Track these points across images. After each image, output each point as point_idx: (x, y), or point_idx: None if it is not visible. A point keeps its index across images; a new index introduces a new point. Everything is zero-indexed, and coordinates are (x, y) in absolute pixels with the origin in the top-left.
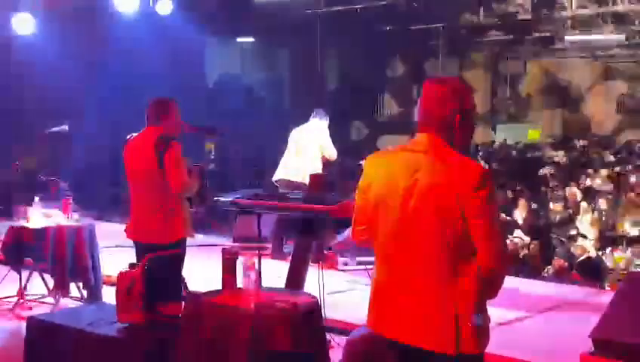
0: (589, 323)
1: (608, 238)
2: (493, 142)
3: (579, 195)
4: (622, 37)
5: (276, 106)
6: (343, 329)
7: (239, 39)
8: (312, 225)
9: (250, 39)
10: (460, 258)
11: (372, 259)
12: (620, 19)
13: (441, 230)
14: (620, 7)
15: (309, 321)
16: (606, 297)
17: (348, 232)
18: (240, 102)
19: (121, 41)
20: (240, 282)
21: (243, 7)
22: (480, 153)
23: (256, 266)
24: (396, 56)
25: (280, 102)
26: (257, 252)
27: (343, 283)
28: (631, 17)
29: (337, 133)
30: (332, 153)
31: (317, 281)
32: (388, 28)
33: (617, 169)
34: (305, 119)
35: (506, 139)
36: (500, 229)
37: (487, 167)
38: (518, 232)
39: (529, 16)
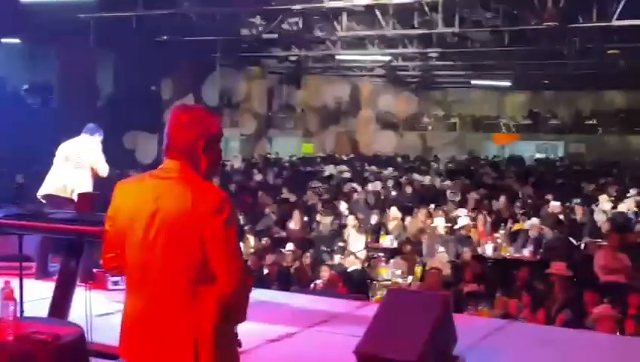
0: (356, 337)
1: (373, 251)
2: (269, 154)
3: (344, 208)
4: (388, 58)
5: (44, 115)
6: (111, 354)
7: (4, 40)
8: (79, 247)
9: (17, 40)
10: (200, 283)
11: None
12: (386, 42)
13: (182, 255)
14: (386, 31)
15: (71, 352)
16: (372, 310)
17: None
18: (3, 107)
19: None
20: None
21: (8, 6)
22: (258, 165)
23: (15, 295)
24: (175, 67)
25: (48, 110)
26: (19, 274)
27: (113, 304)
28: (396, 41)
29: (112, 146)
30: (104, 169)
31: (84, 304)
32: (165, 38)
33: (379, 185)
34: (76, 131)
35: (277, 152)
36: (239, 254)
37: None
38: (290, 245)
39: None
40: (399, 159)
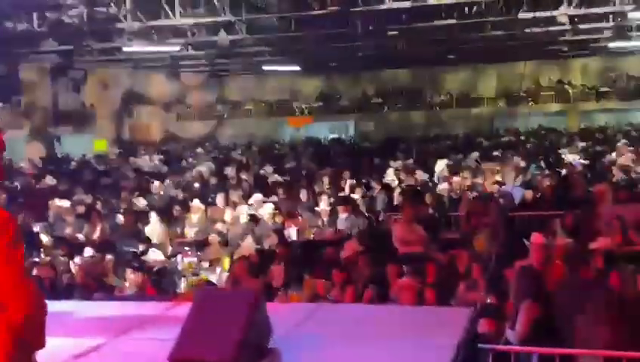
0: (170, 341)
1: (178, 245)
2: (57, 154)
3: (143, 205)
4: (177, 48)
5: None
6: None
7: None
8: None
9: None
10: None
11: None
12: (174, 32)
13: None
14: (174, 21)
15: None
16: (183, 310)
17: None
18: None
19: None
20: None
21: None
22: (48, 166)
23: None
24: None
25: None
26: None
27: None
28: (185, 30)
29: None
30: None
31: None
32: None
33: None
34: None
35: (68, 153)
36: (27, 276)
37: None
38: (88, 250)
39: (85, 27)
40: (199, 149)
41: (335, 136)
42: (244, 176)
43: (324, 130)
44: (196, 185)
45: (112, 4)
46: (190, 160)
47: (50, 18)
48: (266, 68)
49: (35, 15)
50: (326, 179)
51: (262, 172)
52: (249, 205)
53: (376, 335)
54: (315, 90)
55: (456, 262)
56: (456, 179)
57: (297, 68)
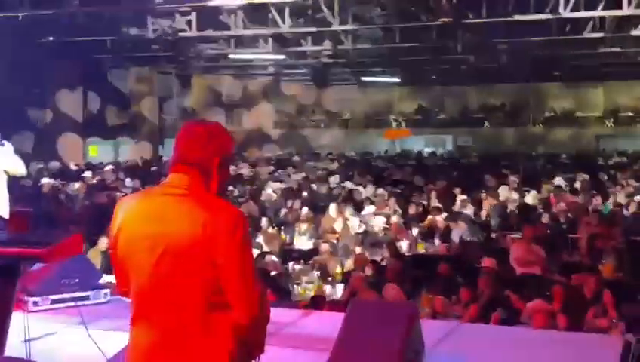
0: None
1: (287, 252)
2: (161, 157)
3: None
4: (282, 56)
5: None
6: None
7: None
8: (16, 271)
9: None
10: (214, 311)
11: (66, 296)
12: (280, 41)
13: (191, 281)
14: (282, 29)
15: None
16: (315, 318)
17: (37, 266)
18: None
19: None
20: None
21: None
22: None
23: None
24: (61, 69)
25: None
26: None
27: (43, 327)
28: (291, 39)
29: None
30: (22, 167)
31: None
32: (51, 39)
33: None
34: None
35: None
36: (256, 279)
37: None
38: None
39: (195, 34)
40: (295, 157)
41: (432, 150)
42: (350, 186)
43: (420, 144)
44: (304, 193)
45: (223, 12)
46: (290, 168)
47: (162, 24)
48: (365, 79)
49: (149, 22)
50: (434, 194)
51: (361, 184)
52: (360, 216)
53: (522, 358)
54: (412, 102)
55: (583, 286)
56: (571, 198)
57: (397, 80)
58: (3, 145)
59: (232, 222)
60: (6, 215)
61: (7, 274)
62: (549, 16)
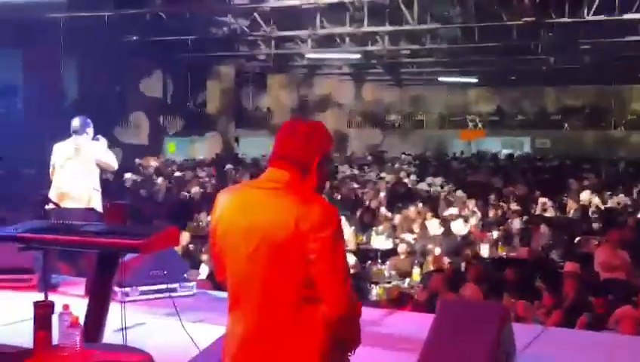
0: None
1: (364, 251)
2: (237, 154)
3: None
4: (357, 55)
5: (9, 116)
6: None
7: None
8: (114, 262)
9: None
10: (305, 303)
11: (155, 287)
12: (356, 40)
13: (285, 273)
14: (360, 29)
15: None
16: (400, 318)
17: (127, 257)
18: None
19: None
20: (56, 339)
21: None
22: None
23: (80, 322)
24: (150, 70)
25: (14, 111)
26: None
27: (132, 317)
28: (366, 38)
29: None
30: (113, 161)
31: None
32: (135, 38)
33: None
34: (45, 131)
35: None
36: (346, 275)
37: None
38: None
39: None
40: (369, 157)
41: (510, 151)
42: (427, 188)
43: (496, 145)
44: (382, 193)
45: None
46: (366, 167)
47: (241, 24)
48: (441, 79)
49: (232, 20)
50: (512, 196)
51: (438, 185)
52: (439, 217)
53: None
54: (490, 103)
55: None
56: None
57: (474, 80)
58: (98, 139)
59: (325, 217)
60: (100, 208)
61: (107, 263)
62: (636, 15)
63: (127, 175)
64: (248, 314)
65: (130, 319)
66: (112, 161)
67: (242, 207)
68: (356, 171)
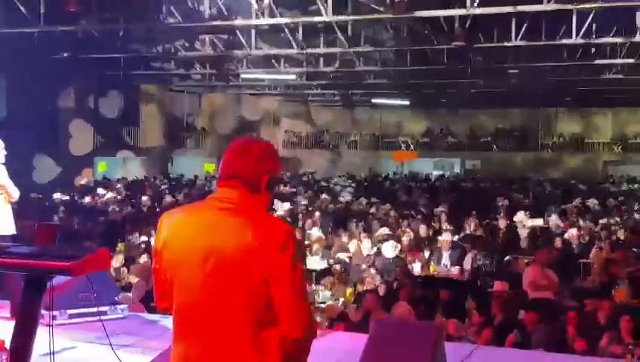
0: None
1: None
2: (170, 174)
3: None
4: (293, 76)
5: None
6: None
7: None
8: (42, 284)
9: None
10: (261, 327)
11: (84, 310)
12: (291, 61)
13: (241, 297)
14: (291, 51)
15: None
16: (333, 339)
17: (55, 280)
18: None
19: None
20: None
21: None
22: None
23: (6, 346)
24: (82, 88)
25: None
26: None
27: (61, 342)
28: (301, 60)
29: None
30: (15, 192)
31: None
32: (65, 55)
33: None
34: None
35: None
36: (306, 295)
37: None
38: None
39: (210, 52)
40: (304, 178)
41: (440, 172)
42: (360, 207)
43: (428, 166)
44: (317, 214)
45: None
46: (300, 188)
47: (176, 43)
48: (375, 101)
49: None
50: (444, 216)
51: (371, 204)
52: (372, 238)
53: None
54: (421, 125)
55: (597, 312)
56: (582, 224)
57: (406, 102)
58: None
59: (282, 238)
60: (12, 231)
61: (34, 286)
62: (561, 41)
63: (57, 195)
64: (202, 341)
65: (58, 343)
66: (14, 192)
67: (195, 228)
68: (292, 190)
